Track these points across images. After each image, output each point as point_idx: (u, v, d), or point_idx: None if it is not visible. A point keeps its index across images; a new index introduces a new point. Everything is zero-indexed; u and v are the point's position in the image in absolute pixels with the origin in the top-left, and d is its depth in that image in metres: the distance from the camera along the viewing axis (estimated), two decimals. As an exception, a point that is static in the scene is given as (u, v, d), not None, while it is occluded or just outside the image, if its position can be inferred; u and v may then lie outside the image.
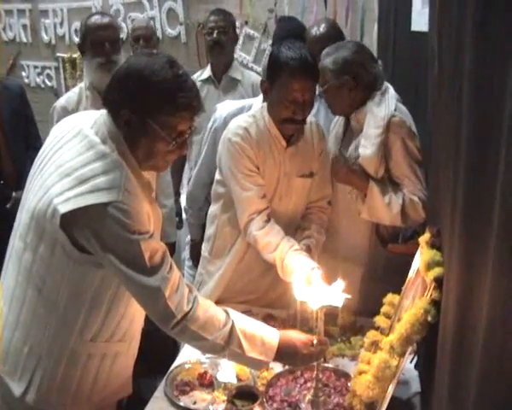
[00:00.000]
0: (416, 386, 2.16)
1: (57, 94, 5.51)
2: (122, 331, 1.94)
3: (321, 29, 3.27)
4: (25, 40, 5.61)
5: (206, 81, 3.88)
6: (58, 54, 5.44)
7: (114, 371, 1.98)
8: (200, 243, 3.39)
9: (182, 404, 2.10)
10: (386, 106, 2.53)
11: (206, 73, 3.90)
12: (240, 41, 4.64)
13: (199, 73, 3.95)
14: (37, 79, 5.64)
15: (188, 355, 2.33)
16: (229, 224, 2.68)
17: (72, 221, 1.71)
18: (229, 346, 1.87)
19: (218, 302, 2.68)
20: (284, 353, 1.96)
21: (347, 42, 2.88)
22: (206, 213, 3.30)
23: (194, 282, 2.95)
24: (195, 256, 3.50)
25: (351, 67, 2.55)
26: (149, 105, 1.75)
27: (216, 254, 2.76)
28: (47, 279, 1.82)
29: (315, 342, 1.98)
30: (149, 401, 2.15)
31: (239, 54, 4.65)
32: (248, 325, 1.93)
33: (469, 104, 1.21)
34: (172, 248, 3.63)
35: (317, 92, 3.29)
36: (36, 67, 5.62)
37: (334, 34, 3.28)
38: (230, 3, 4.57)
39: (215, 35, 3.78)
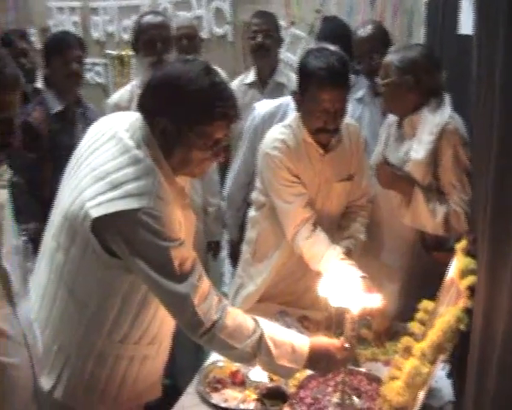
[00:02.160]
0: (449, 395, 2.13)
1: (105, 90, 5.60)
2: (151, 335, 1.94)
3: (367, 30, 3.27)
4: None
5: (251, 85, 3.83)
6: (107, 51, 5.52)
7: (142, 373, 1.98)
8: (238, 244, 3.42)
9: (213, 401, 2.12)
10: (441, 113, 2.52)
11: (251, 76, 3.84)
12: (286, 41, 4.63)
13: (243, 76, 3.93)
14: (87, 76, 5.72)
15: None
16: (271, 230, 2.68)
17: (103, 226, 1.73)
18: (258, 354, 1.85)
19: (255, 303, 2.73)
20: (315, 360, 1.92)
21: (418, 44, 2.91)
22: (244, 214, 3.33)
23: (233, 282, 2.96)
24: (234, 256, 3.53)
25: (415, 68, 2.54)
26: (185, 114, 1.75)
27: (258, 257, 2.77)
28: (78, 280, 1.84)
29: (346, 345, 1.96)
30: (181, 397, 2.18)
31: (285, 55, 4.63)
32: (278, 333, 1.91)
33: (500, 117, 1.20)
34: (217, 246, 3.66)
35: (358, 96, 3.31)
36: (85, 63, 5.69)
37: (380, 35, 3.28)
38: (277, 3, 4.58)
39: (259, 38, 3.71)
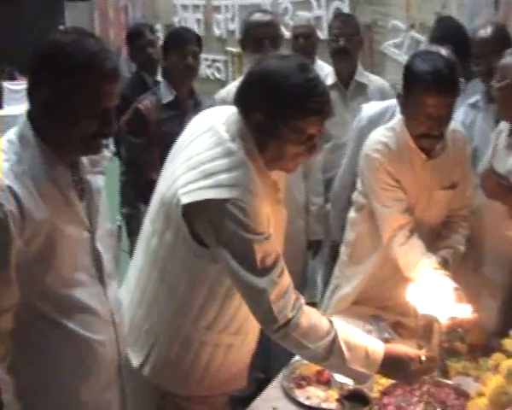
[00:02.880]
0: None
1: (224, 86, 5.74)
2: (237, 325, 1.97)
3: (487, 32, 3.15)
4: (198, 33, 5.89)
5: (331, 87, 3.75)
6: (228, 48, 5.65)
7: (227, 362, 2.02)
8: (340, 245, 3.41)
9: (296, 397, 2.13)
10: None
11: (331, 78, 3.82)
12: (405, 44, 4.56)
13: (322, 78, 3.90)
14: (207, 71, 5.90)
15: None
16: (369, 233, 2.65)
17: (192, 213, 1.79)
18: (330, 356, 1.83)
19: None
20: (389, 367, 1.88)
21: None
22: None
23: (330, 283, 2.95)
24: (334, 257, 3.51)
25: None
26: (279, 109, 1.77)
27: (355, 260, 2.74)
28: (169, 266, 1.91)
29: (423, 358, 1.90)
30: (265, 389, 2.22)
31: (403, 58, 4.56)
32: (352, 336, 1.88)
33: None
34: (318, 245, 3.67)
35: (472, 101, 3.20)
36: (206, 59, 5.87)
37: (501, 37, 3.14)
38: (397, 5, 4.52)
39: (341, 42, 3.68)
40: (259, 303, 1.80)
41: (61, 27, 4.35)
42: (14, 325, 1.61)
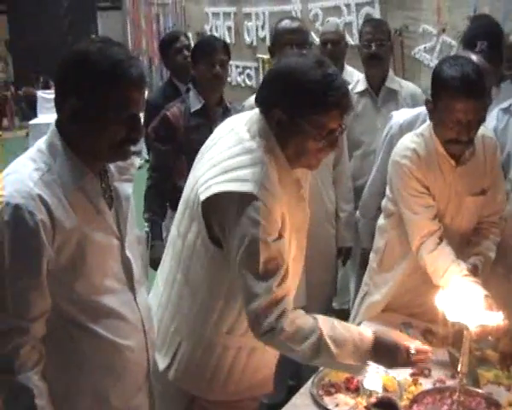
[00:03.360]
0: None
1: (255, 93, 5.77)
2: None
3: None
4: (229, 41, 5.92)
5: (362, 93, 3.78)
6: (258, 55, 5.66)
7: (251, 365, 2.03)
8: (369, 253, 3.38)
9: (324, 404, 2.12)
10: None
11: (361, 85, 3.80)
12: (436, 49, 4.52)
13: (352, 84, 3.85)
14: (238, 78, 5.93)
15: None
16: (398, 240, 2.64)
17: (210, 208, 1.81)
18: (318, 355, 1.82)
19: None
20: (378, 355, 1.88)
21: None
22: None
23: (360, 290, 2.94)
24: (364, 265, 3.50)
25: None
26: (299, 105, 1.80)
27: (385, 267, 2.73)
28: (192, 267, 1.94)
29: (412, 351, 1.90)
30: (294, 396, 2.21)
31: (435, 62, 4.52)
32: (338, 331, 1.86)
33: None
34: (348, 252, 3.66)
35: (505, 105, 3.15)
36: (237, 66, 5.91)
37: None
38: (428, 10, 4.48)
39: (373, 48, 3.65)
40: (250, 306, 1.80)
41: (92, 36, 4.41)
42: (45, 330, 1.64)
